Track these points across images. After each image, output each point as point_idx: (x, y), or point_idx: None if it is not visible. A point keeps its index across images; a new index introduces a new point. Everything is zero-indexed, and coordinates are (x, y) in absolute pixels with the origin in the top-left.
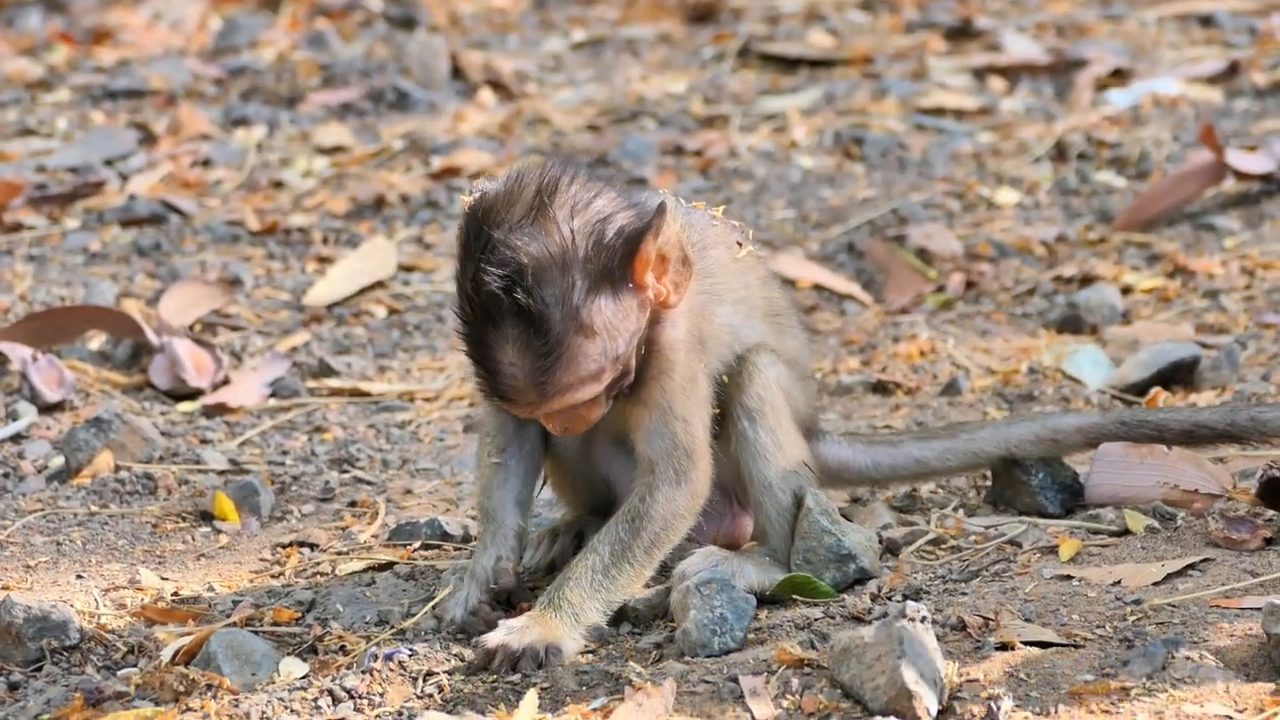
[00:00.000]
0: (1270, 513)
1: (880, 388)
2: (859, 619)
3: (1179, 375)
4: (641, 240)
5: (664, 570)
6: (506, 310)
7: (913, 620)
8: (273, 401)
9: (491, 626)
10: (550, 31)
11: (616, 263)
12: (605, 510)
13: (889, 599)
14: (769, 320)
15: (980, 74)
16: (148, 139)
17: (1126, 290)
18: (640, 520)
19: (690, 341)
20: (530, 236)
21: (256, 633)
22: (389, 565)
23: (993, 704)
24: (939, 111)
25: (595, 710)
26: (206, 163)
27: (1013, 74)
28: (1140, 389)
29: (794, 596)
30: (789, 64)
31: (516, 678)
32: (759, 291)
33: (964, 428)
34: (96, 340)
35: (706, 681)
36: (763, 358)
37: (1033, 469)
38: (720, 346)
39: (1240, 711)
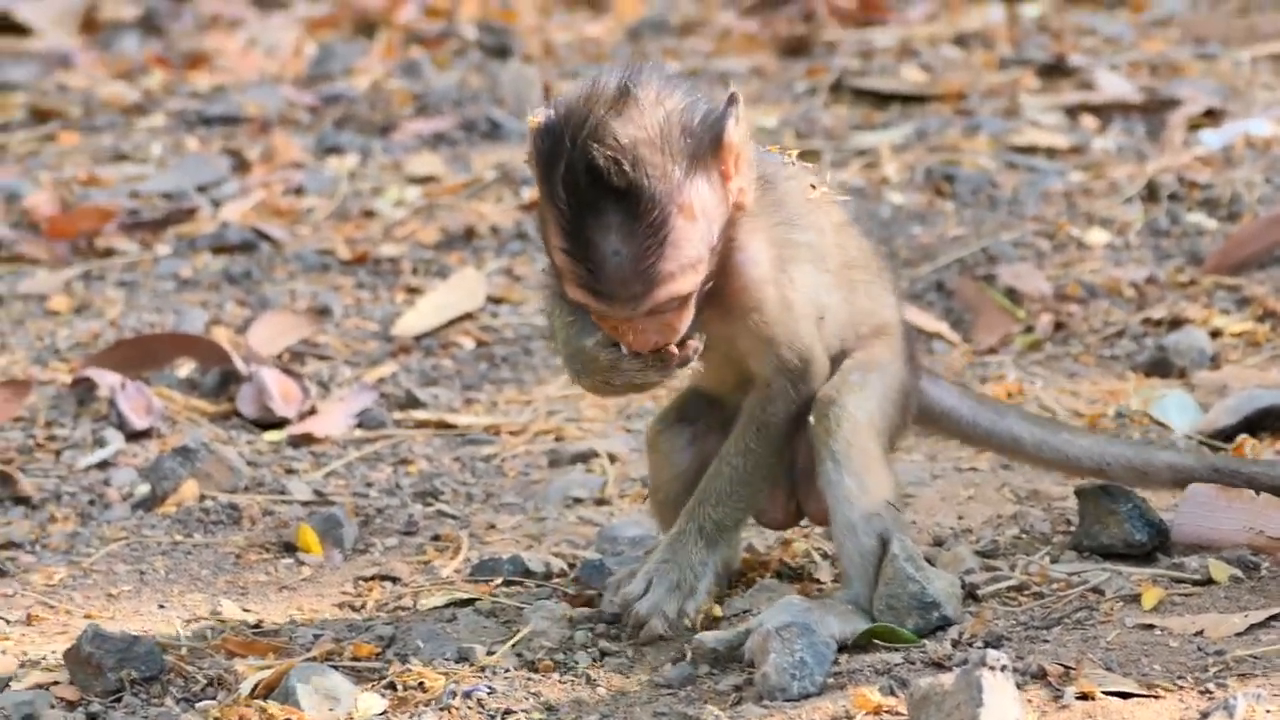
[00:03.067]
0: None
1: None
2: (939, 665)
3: (1267, 422)
4: (724, 124)
5: (743, 614)
6: (609, 191)
7: (993, 669)
8: (359, 433)
9: None
10: (640, 52)
11: (706, 146)
12: None
13: (970, 645)
14: (840, 273)
15: (1072, 112)
16: (241, 166)
17: (1215, 334)
18: (766, 429)
19: (773, 274)
20: (624, 121)
21: (336, 667)
22: (470, 602)
23: None
24: (1031, 150)
25: None
26: (299, 190)
27: (1105, 112)
28: (1228, 435)
29: (874, 641)
30: (881, 99)
31: (594, 717)
32: (831, 237)
33: (1066, 428)
34: (185, 368)
35: None
36: (850, 397)
37: (1122, 498)
38: (810, 266)
39: None
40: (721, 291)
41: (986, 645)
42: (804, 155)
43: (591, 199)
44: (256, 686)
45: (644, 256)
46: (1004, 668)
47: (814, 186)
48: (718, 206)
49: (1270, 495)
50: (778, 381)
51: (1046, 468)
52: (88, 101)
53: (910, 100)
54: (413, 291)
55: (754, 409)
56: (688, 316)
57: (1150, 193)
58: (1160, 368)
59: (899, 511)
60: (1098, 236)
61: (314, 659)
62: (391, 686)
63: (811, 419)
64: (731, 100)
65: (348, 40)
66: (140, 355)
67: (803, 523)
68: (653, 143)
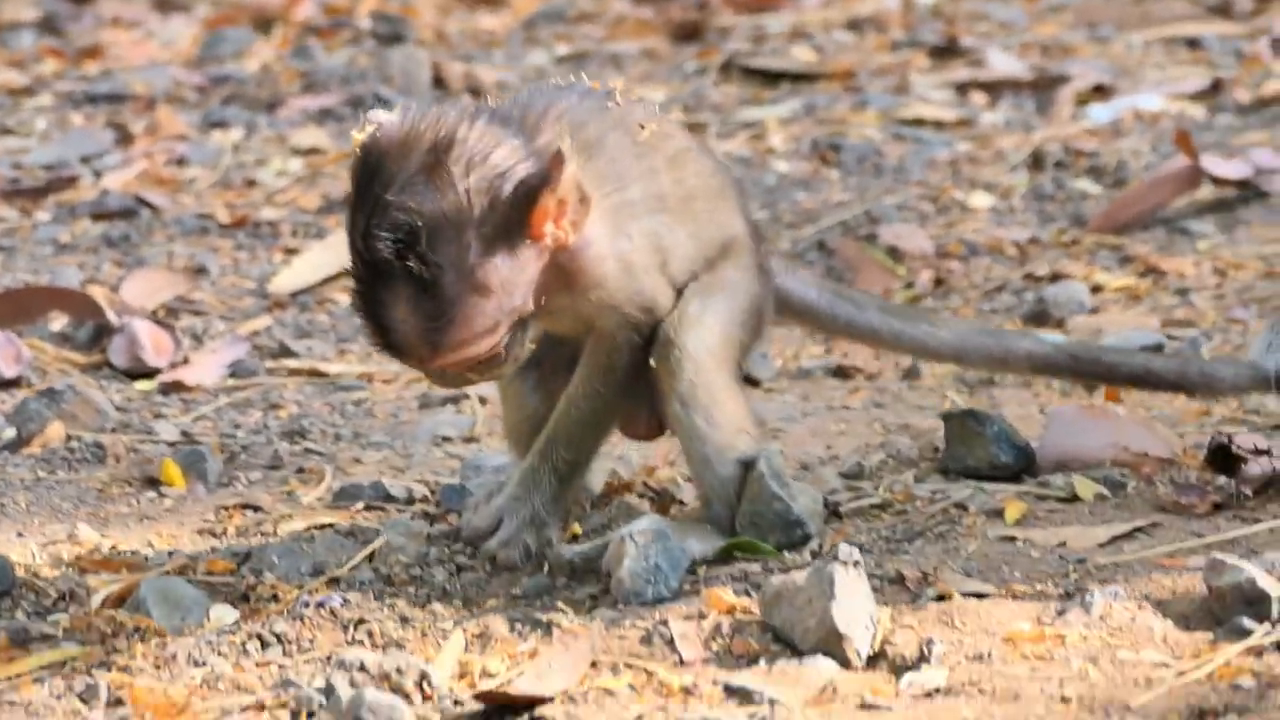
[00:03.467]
0: (1219, 478)
1: (840, 372)
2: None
3: None
4: (539, 194)
5: (601, 530)
6: (398, 273)
7: (844, 564)
8: (230, 381)
9: None
10: (535, 47)
11: (514, 219)
12: None
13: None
14: (681, 208)
15: (962, 89)
16: (124, 139)
17: (1097, 289)
18: (611, 374)
19: (610, 244)
20: (424, 196)
21: (189, 582)
22: (330, 526)
23: (925, 647)
24: (918, 122)
25: (523, 652)
26: (181, 161)
27: (995, 89)
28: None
29: (735, 555)
30: (771, 78)
31: (449, 624)
32: (667, 177)
33: (926, 320)
34: (58, 322)
35: (637, 626)
36: (689, 335)
37: (987, 421)
38: (649, 225)
39: (1177, 659)
40: (561, 273)
41: None
42: (691, 128)
43: (382, 268)
44: (107, 599)
45: (431, 330)
46: (856, 563)
47: (642, 126)
48: (523, 272)
49: (1137, 384)
50: (622, 332)
51: (908, 355)
52: None
53: (800, 79)
54: (291, 253)
55: (598, 355)
56: (499, 360)
57: (1036, 161)
58: (1038, 318)
59: (751, 435)
60: (981, 200)
61: (167, 573)
62: (244, 598)
63: (653, 361)
64: (557, 160)
65: (243, 30)
66: (11, 309)
67: (667, 443)
68: (452, 221)
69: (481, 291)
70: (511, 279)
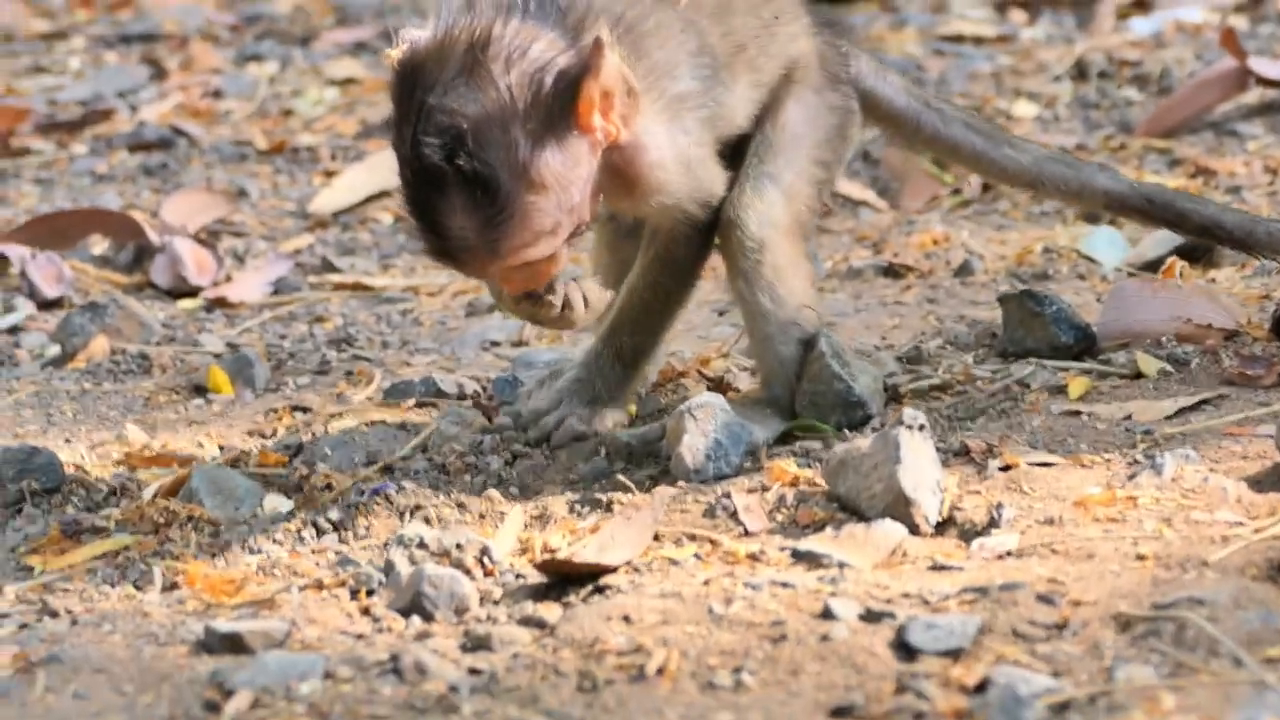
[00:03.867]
0: None
1: (891, 271)
2: None
3: (1196, 254)
4: (582, 83)
5: (657, 414)
6: (451, 178)
7: (910, 428)
8: (274, 297)
9: None
10: None
11: (560, 111)
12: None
13: None
14: (734, 61)
15: (1001, 7)
16: (159, 74)
17: None
18: (674, 264)
19: (668, 146)
20: (466, 97)
21: (242, 473)
22: (382, 421)
23: (995, 512)
24: (958, 39)
25: (584, 528)
26: (217, 94)
27: (1034, 6)
28: (1157, 265)
29: (795, 435)
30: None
31: (506, 508)
32: (716, 32)
33: (1010, 141)
34: (100, 246)
35: (699, 500)
36: (751, 214)
37: (1046, 301)
38: (702, 106)
39: (1252, 518)
40: (620, 176)
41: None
42: None
43: (434, 175)
44: (159, 491)
45: (491, 233)
46: (921, 426)
47: None
48: (576, 167)
49: (1204, 235)
50: (681, 227)
51: (986, 176)
52: (7, 32)
53: (836, 1)
54: (331, 175)
55: (658, 246)
56: (560, 261)
57: (1079, 71)
58: (1089, 217)
59: (815, 310)
60: (1026, 109)
61: (219, 465)
62: (298, 488)
63: (718, 239)
64: (597, 48)
65: None
66: (52, 232)
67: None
68: (497, 119)
69: (536, 189)
70: (566, 174)
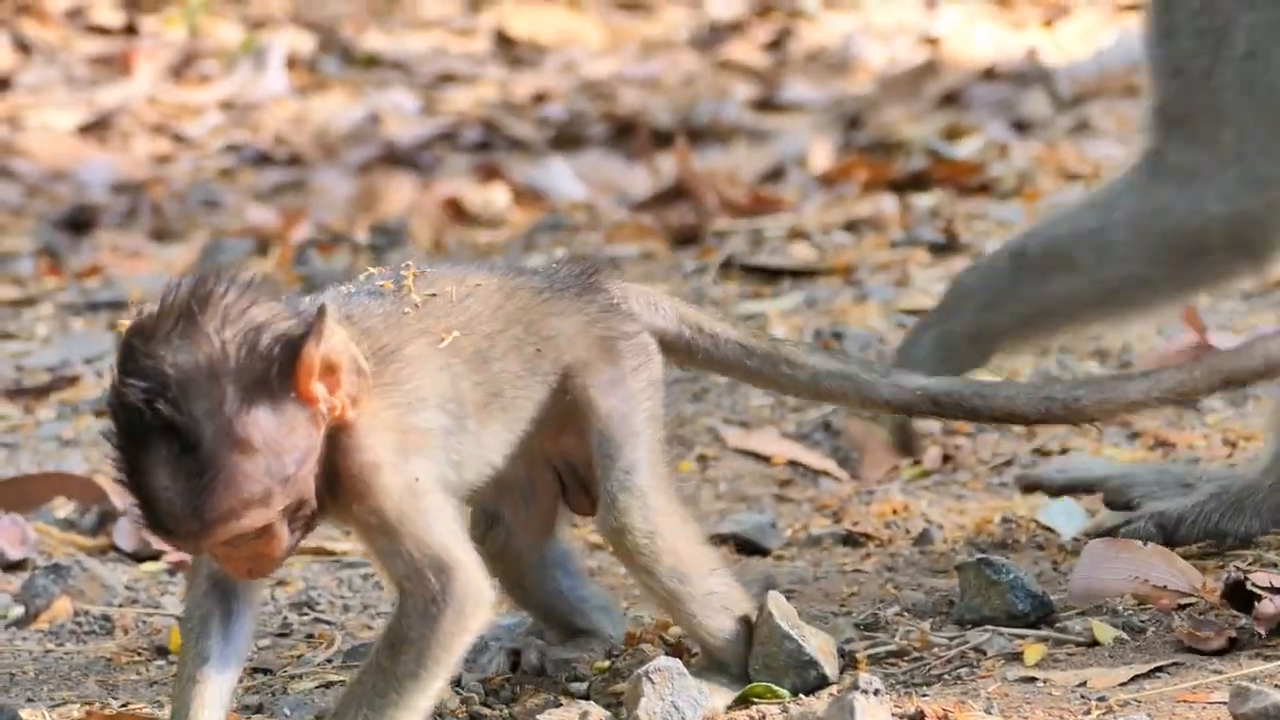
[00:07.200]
0: (1237, 615)
1: (851, 540)
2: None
3: None
4: (302, 346)
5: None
6: (152, 426)
7: (865, 692)
8: None
9: None
10: (534, 252)
11: (275, 372)
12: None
13: None
14: (490, 402)
15: None
16: None
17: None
18: (401, 646)
19: (393, 459)
20: (176, 346)
21: None
22: (341, 683)
23: None
24: (920, 313)
25: None
26: None
27: None
28: (1113, 533)
29: (752, 700)
30: (771, 274)
31: None
32: (468, 380)
33: (788, 359)
34: (64, 509)
35: None
36: (626, 510)
37: (1003, 568)
38: (440, 451)
39: None
40: (338, 467)
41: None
42: None
43: (136, 433)
44: None
45: (195, 495)
46: (877, 691)
47: (442, 337)
48: (292, 434)
49: (1005, 421)
50: (411, 589)
51: (766, 389)
52: None
53: (800, 275)
54: None
55: (392, 620)
56: (280, 545)
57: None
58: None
59: (720, 569)
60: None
61: None
62: None
63: (610, 547)
64: (320, 314)
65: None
66: (16, 496)
67: None
68: (205, 372)
69: (243, 448)
70: (278, 440)
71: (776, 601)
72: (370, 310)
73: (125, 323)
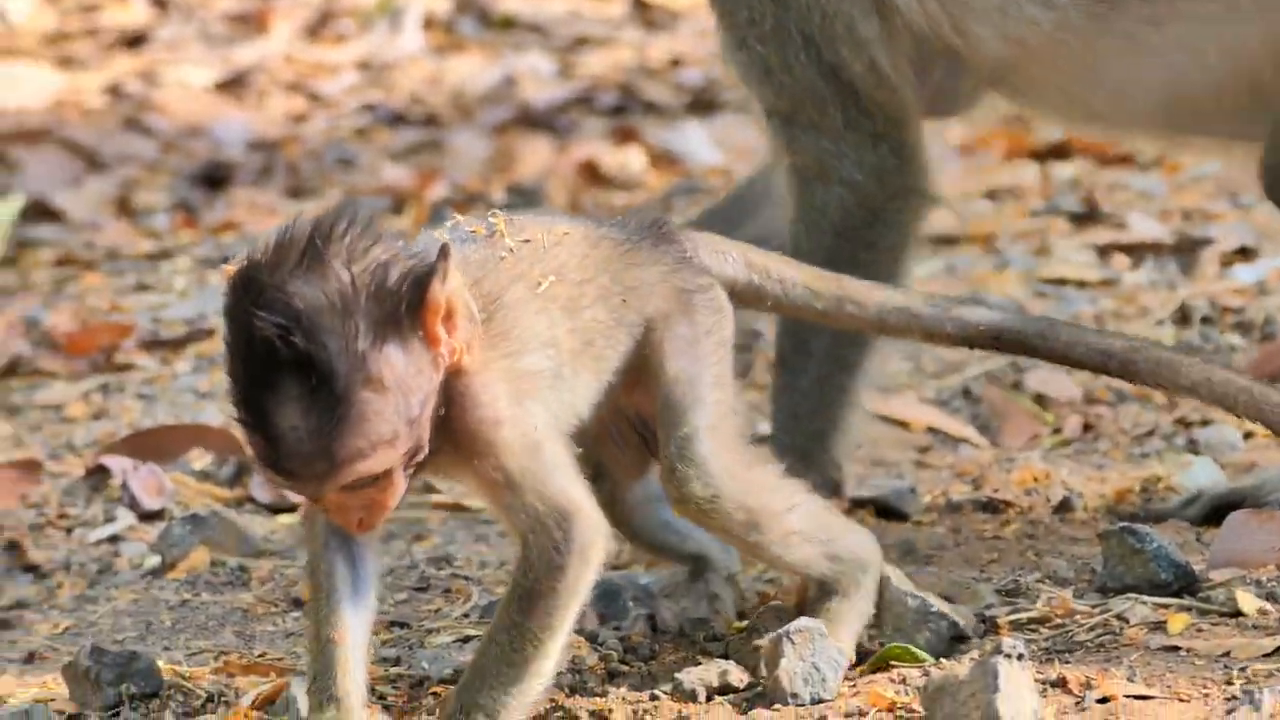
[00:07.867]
0: None
1: (990, 507)
2: None
3: None
4: (428, 285)
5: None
6: (283, 362)
7: (1009, 657)
8: None
9: None
10: (669, 215)
11: (404, 309)
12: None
13: None
14: (582, 350)
15: (1104, 251)
16: None
17: (1248, 435)
18: (531, 599)
19: (511, 412)
20: (305, 280)
21: None
22: (477, 638)
23: None
24: (1061, 282)
25: None
26: None
27: (1137, 251)
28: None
29: (891, 663)
30: None
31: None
32: (563, 326)
33: (853, 298)
34: (201, 461)
35: None
36: (686, 480)
37: (1147, 537)
38: (550, 392)
39: None
40: (452, 420)
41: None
42: None
43: (265, 370)
44: (256, 699)
45: (325, 433)
46: (1020, 656)
47: (539, 282)
48: (418, 375)
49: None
50: (535, 540)
51: (833, 326)
52: (113, 251)
53: (940, 241)
54: None
55: (516, 574)
56: (395, 493)
57: (1182, 316)
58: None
59: (789, 487)
60: None
61: None
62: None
63: (673, 507)
64: (442, 254)
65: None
66: (154, 446)
67: None
68: (334, 309)
69: (375, 386)
70: (407, 379)
71: (889, 569)
72: (468, 257)
73: (231, 267)
